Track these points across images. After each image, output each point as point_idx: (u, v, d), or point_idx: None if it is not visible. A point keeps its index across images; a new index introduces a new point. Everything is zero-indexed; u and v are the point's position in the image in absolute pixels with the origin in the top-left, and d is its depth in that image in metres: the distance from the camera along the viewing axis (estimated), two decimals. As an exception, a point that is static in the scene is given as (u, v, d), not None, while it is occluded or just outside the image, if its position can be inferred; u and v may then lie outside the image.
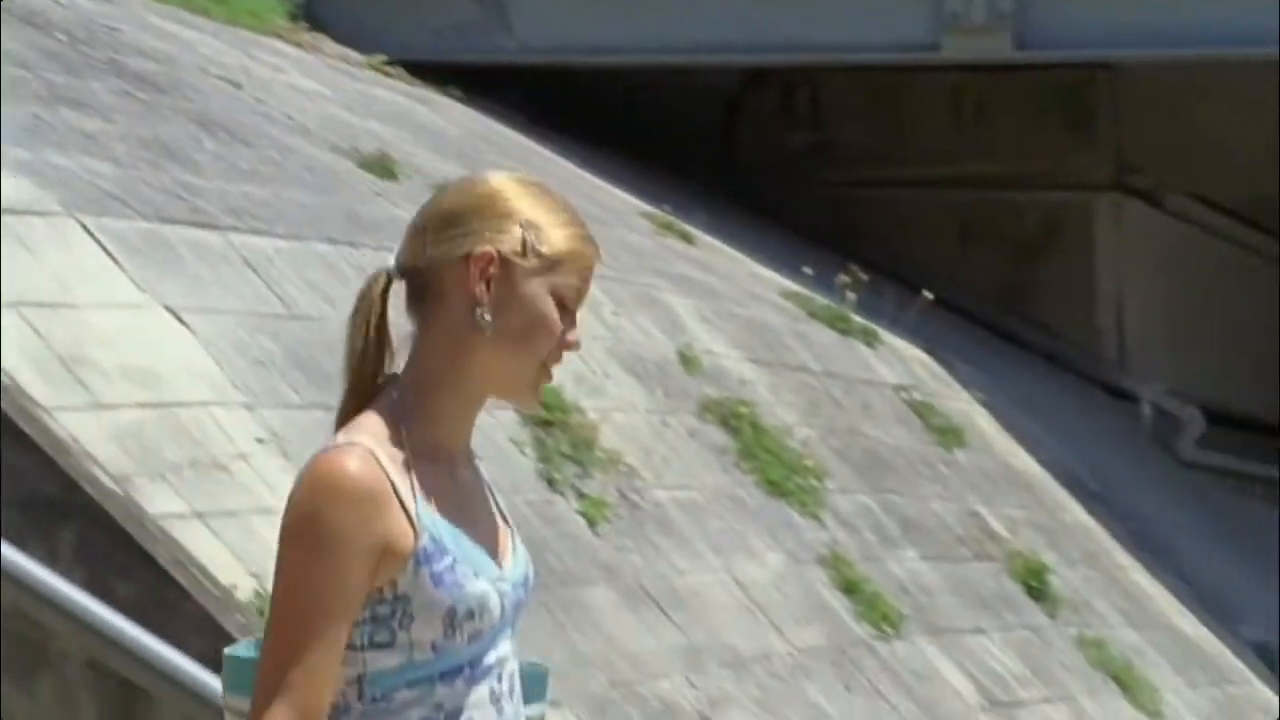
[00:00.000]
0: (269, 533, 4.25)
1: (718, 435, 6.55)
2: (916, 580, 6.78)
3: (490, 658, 2.40)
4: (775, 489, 6.51)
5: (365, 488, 2.32)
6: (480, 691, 2.39)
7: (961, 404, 8.70)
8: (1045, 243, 11.18)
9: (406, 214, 6.75)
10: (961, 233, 11.26)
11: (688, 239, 8.61)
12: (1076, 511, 8.75)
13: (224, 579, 3.97)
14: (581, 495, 5.54)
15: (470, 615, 2.36)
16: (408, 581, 2.34)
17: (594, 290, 7.76)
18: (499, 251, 2.42)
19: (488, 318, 2.40)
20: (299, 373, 4.94)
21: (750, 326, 7.63)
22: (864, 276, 8.68)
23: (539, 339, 2.43)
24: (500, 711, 2.40)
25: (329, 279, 5.42)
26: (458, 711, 2.37)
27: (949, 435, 8.17)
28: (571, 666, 4.87)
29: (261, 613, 3.97)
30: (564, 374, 6.08)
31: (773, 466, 6.60)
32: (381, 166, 6.74)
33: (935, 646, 6.42)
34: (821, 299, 8.49)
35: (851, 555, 6.51)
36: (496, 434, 5.41)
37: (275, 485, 4.33)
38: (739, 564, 5.93)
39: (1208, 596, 9.16)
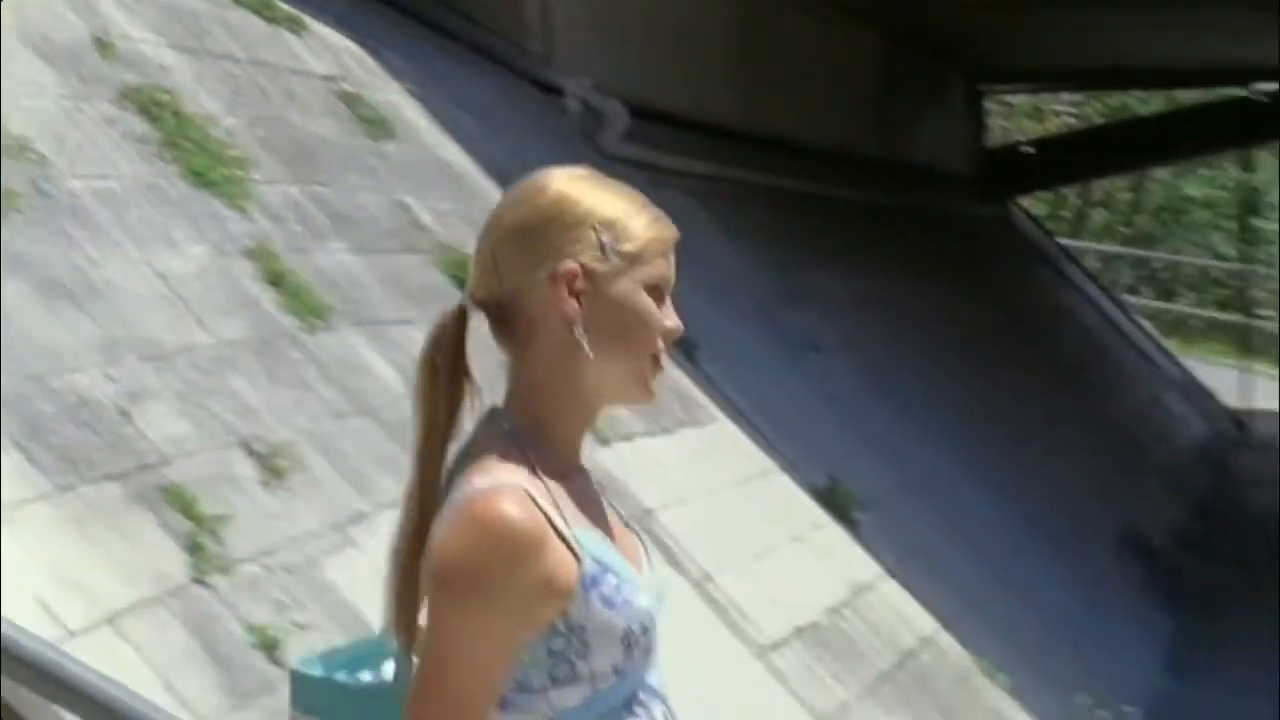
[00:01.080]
0: None
1: (137, 124, 6.32)
2: (345, 272, 6.77)
3: (653, 677, 2.33)
4: (199, 180, 6.35)
5: (526, 534, 2.20)
6: (657, 715, 2.32)
7: (392, 96, 8.63)
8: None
9: None
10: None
11: (103, -83, 8.18)
12: (504, 204, 8.86)
13: None
14: (-12, 185, 5.27)
15: (645, 631, 2.29)
16: (579, 610, 2.24)
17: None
18: (581, 263, 2.29)
19: (587, 335, 2.28)
20: None
21: (171, 12, 7.34)
22: (290, -37, 8.44)
23: (642, 337, 2.32)
24: None
25: None
26: None
27: (378, 127, 8.12)
28: (-20, 362, 4.68)
29: None
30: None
31: (196, 157, 6.43)
32: None
33: (362, 337, 6.45)
34: (247, -15, 8.23)
35: (278, 247, 6.43)
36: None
37: None
38: (160, 256, 5.78)
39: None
